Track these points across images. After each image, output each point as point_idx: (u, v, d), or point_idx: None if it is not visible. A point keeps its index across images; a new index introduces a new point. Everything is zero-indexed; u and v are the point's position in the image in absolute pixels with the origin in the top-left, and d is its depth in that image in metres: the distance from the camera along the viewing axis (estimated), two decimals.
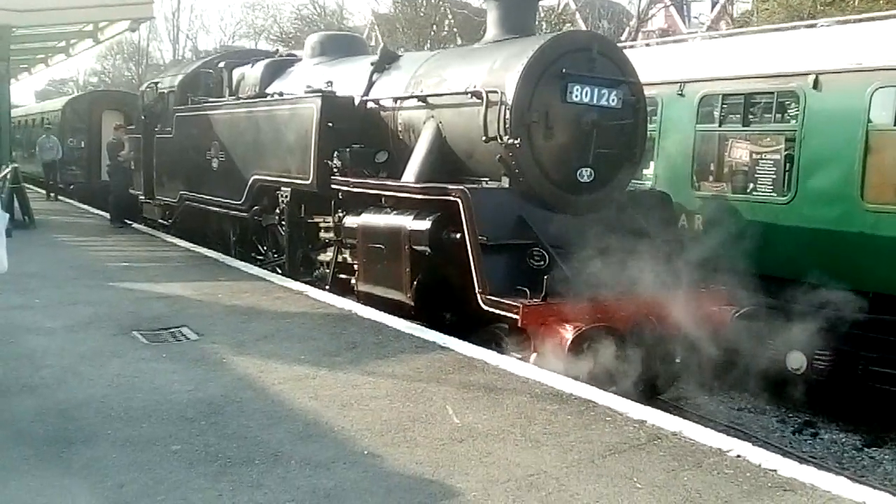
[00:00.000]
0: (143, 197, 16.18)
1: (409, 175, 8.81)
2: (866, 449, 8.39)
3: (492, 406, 5.51)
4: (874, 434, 8.54)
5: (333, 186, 9.52)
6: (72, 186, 23.93)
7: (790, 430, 8.82)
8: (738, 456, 4.67)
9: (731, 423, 8.62)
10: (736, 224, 9.18)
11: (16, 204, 15.13)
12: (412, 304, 8.06)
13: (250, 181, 11.45)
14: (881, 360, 8.22)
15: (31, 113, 32.23)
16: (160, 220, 15.72)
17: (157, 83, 15.95)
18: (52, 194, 22.82)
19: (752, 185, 9.33)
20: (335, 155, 9.58)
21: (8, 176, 14.83)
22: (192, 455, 4.59)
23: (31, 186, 20.58)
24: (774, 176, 9.07)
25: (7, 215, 6.36)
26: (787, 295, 8.67)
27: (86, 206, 21.09)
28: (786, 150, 8.96)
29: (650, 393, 7.66)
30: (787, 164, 8.92)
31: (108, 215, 17.54)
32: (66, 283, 9.94)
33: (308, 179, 9.97)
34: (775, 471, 4.46)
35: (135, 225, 16.62)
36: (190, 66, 15.33)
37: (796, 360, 8.85)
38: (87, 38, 19.80)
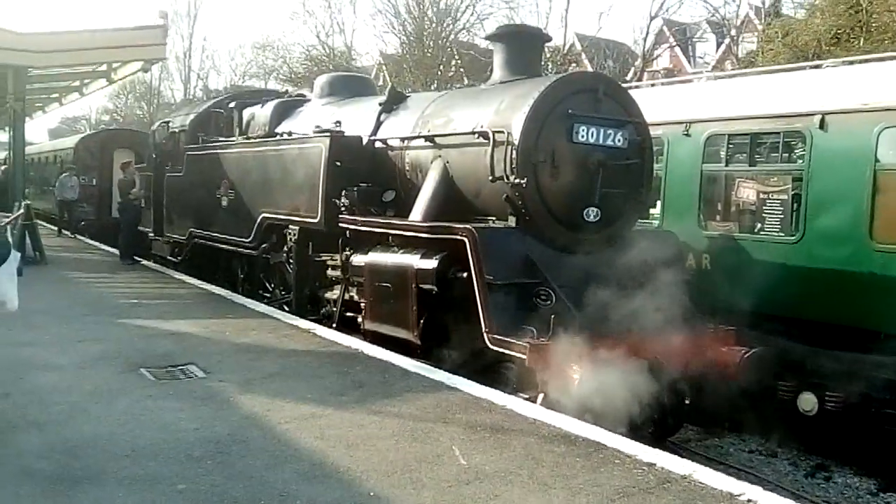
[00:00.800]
0: (152, 234, 16.28)
1: (417, 214, 8.85)
2: (882, 494, 8.26)
3: (499, 447, 5.48)
4: (889, 478, 8.41)
5: (341, 225, 9.57)
6: (82, 223, 24.07)
7: (802, 474, 8.71)
8: (750, 500, 4.63)
9: (741, 466, 8.54)
10: (743, 263, 9.19)
11: (27, 240, 15.22)
12: (419, 342, 8.05)
13: (259, 219, 11.52)
14: (893, 402, 8.14)
15: (44, 150, 32.53)
16: (169, 257, 15.79)
17: (168, 122, 16.12)
18: (64, 230, 22.96)
19: (759, 225, 9.33)
20: (343, 194, 9.64)
21: (21, 213, 14.94)
22: (197, 495, 4.58)
23: (42, 223, 20.70)
24: (782, 215, 9.07)
25: (19, 254, 6.42)
26: (796, 335, 8.65)
27: (96, 243, 21.19)
28: (793, 189, 8.97)
29: (659, 435, 7.61)
30: (795, 204, 8.93)
31: (117, 252, 17.62)
32: (76, 319, 9.97)
33: (316, 218, 10.02)
34: None
35: (144, 262, 16.69)
36: (201, 106, 15.50)
37: (808, 402, 8.78)
38: (101, 78, 20.08)
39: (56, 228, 23.12)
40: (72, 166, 23.86)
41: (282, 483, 4.77)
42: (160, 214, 15.71)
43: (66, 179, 22.68)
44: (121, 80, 21.92)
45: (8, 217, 6.20)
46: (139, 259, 16.77)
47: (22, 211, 14.61)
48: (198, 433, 5.66)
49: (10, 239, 6.11)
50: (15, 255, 6.13)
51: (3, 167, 22.10)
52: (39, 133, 54.11)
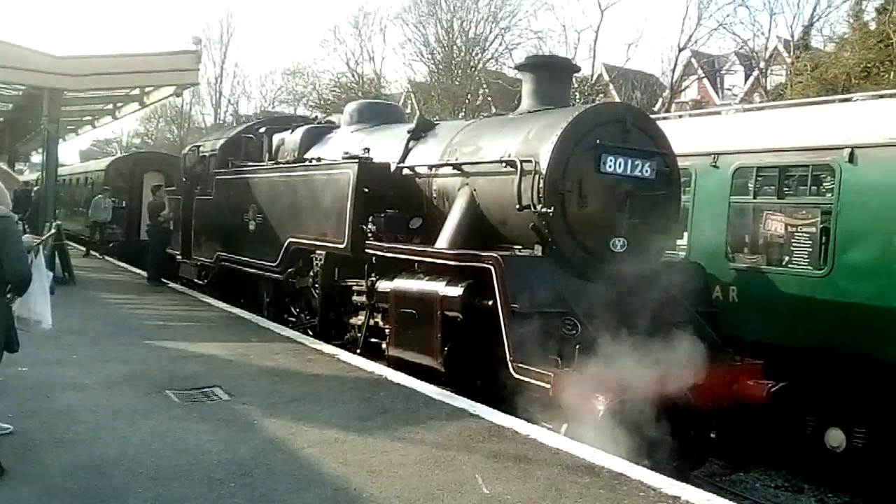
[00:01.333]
0: (180, 256, 16.43)
1: (443, 241, 8.88)
2: None
3: (522, 476, 5.45)
4: None
5: (368, 251, 9.61)
6: (111, 244, 24.33)
7: None
8: None
9: (767, 501, 8.43)
10: (771, 296, 9.12)
11: (57, 261, 15.41)
12: (443, 370, 8.04)
13: (286, 244, 11.60)
14: None
15: (76, 172, 32.98)
16: (196, 280, 15.92)
17: (199, 146, 16.33)
18: (92, 251, 23.24)
19: (787, 258, 9.26)
20: (370, 220, 9.69)
21: (52, 234, 15.13)
22: None
23: (71, 243, 20.94)
24: (810, 249, 8.99)
25: (51, 273, 6.50)
26: (824, 369, 8.55)
27: (124, 265, 21.40)
28: (822, 222, 8.90)
29: (684, 468, 7.53)
30: (823, 237, 8.86)
31: (145, 274, 17.79)
32: (103, 339, 10.06)
33: (343, 243, 10.08)
34: None
35: (171, 284, 16.83)
36: (231, 131, 15.68)
37: (835, 438, 8.67)
38: (134, 101, 20.37)
39: (84, 249, 23.37)
40: (105, 188, 24.18)
41: None
42: (188, 237, 15.87)
43: (100, 200, 22.99)
44: (153, 104, 22.22)
45: (39, 238, 6.26)
46: (167, 281, 16.92)
47: (53, 231, 14.81)
48: (221, 455, 5.68)
49: (42, 257, 6.15)
50: (48, 275, 6.21)
51: (35, 188, 22.41)
52: (71, 155, 54.87)
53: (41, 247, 6.14)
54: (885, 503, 8.56)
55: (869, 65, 25.88)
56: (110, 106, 21.89)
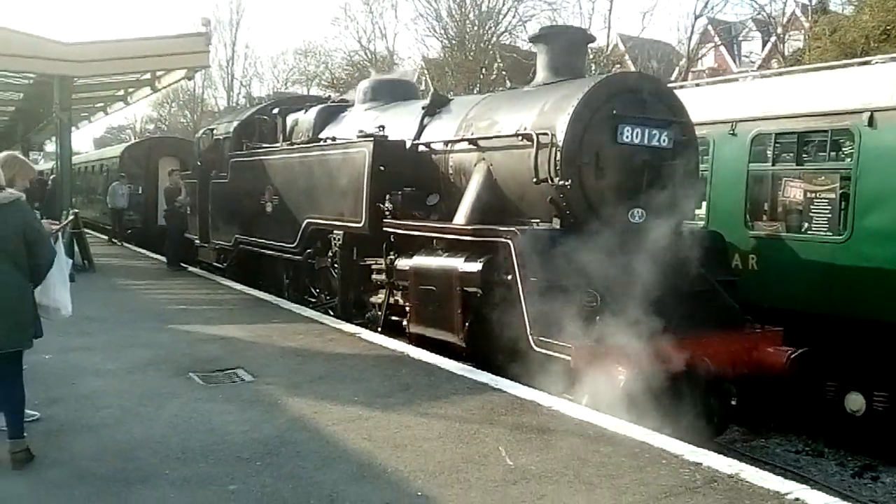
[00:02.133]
0: (198, 241, 16.50)
1: (461, 217, 8.87)
2: None
3: (545, 448, 5.48)
4: None
5: (385, 229, 9.62)
6: (129, 231, 24.51)
7: (850, 474, 8.58)
8: (797, 499, 4.58)
9: (788, 466, 8.43)
10: (790, 263, 9.08)
11: (76, 249, 15.53)
12: (464, 345, 8.07)
13: (303, 224, 11.63)
14: None
15: (91, 160, 33.15)
16: (215, 264, 16.01)
17: (212, 129, 16.34)
18: (113, 239, 23.43)
19: (806, 224, 9.20)
20: (387, 198, 9.69)
21: (70, 221, 15.24)
22: (248, 495, 4.64)
23: (90, 231, 21.08)
24: (830, 215, 8.94)
25: (70, 261, 6.54)
26: (844, 335, 8.53)
27: (143, 251, 21.54)
28: (841, 188, 8.84)
29: (705, 435, 7.54)
30: (843, 203, 8.79)
31: (164, 259, 17.89)
32: (125, 325, 10.15)
33: (360, 222, 10.09)
34: None
35: (190, 268, 16.93)
36: (244, 113, 15.68)
37: (855, 402, 8.68)
38: (145, 86, 20.38)
39: (106, 237, 23.56)
40: (122, 175, 24.32)
41: (331, 483, 4.82)
42: (206, 221, 15.93)
43: (117, 187, 23.14)
44: (165, 88, 22.20)
45: (57, 224, 6.29)
46: (186, 266, 17.02)
47: (71, 218, 14.91)
48: (246, 435, 5.73)
49: (61, 244, 6.19)
50: (67, 262, 6.25)
51: (51, 177, 22.57)
52: (85, 142, 55.14)
53: (59, 234, 6.17)
54: None
55: (889, 27, 25.49)
56: (122, 92, 21.93)
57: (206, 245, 16.21)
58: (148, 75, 18.83)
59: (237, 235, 14.32)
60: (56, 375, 7.36)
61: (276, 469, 5.06)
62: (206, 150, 16.06)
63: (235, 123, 15.03)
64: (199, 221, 16.19)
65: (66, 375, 7.41)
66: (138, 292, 13.82)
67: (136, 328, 9.96)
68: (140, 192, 24.96)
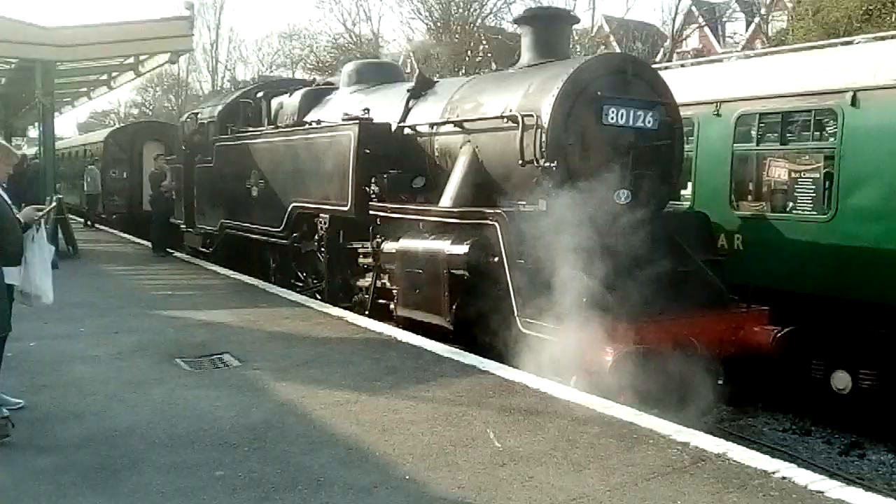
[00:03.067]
0: (184, 226, 16.43)
1: (447, 199, 8.86)
2: None
3: (533, 429, 5.49)
4: None
5: (371, 212, 9.60)
6: (114, 216, 24.36)
7: (836, 452, 8.65)
8: (784, 478, 4.61)
9: (775, 444, 8.50)
10: (775, 243, 9.11)
11: (60, 234, 15.43)
12: (451, 327, 8.08)
13: (289, 208, 11.59)
14: None
15: (75, 145, 32.88)
16: (201, 249, 15.93)
17: (197, 114, 16.24)
18: (90, 223, 23.63)
19: (791, 204, 9.24)
20: (373, 181, 9.67)
21: (53, 207, 15.11)
22: (235, 481, 4.63)
23: (74, 217, 20.97)
24: (814, 194, 8.98)
25: (53, 248, 6.49)
26: (829, 313, 8.58)
27: (128, 236, 21.43)
28: (825, 167, 8.88)
29: (692, 415, 7.57)
30: (827, 182, 8.84)
31: (150, 244, 17.81)
32: (110, 311, 10.10)
33: (346, 206, 10.06)
34: (822, 492, 4.40)
35: (176, 253, 16.85)
36: (229, 97, 15.58)
37: (841, 380, 8.74)
38: (129, 70, 20.23)
39: (83, 221, 23.67)
40: (95, 159, 24.32)
41: (318, 468, 4.81)
42: (191, 206, 15.85)
43: (92, 171, 23.28)
44: (148, 72, 22.07)
45: (40, 212, 6.25)
46: (171, 251, 16.94)
47: (54, 204, 14.80)
48: (234, 420, 5.72)
49: (44, 231, 6.14)
50: (50, 249, 6.20)
51: (34, 160, 22.41)
52: (68, 127, 54.68)
53: (42, 221, 6.12)
54: (890, 441, 8.65)
55: (871, 7, 25.57)
56: (105, 76, 21.73)
57: (191, 230, 16.14)
58: (131, 59, 18.70)
59: (223, 220, 14.26)
60: (41, 363, 7.31)
61: (264, 454, 5.05)
62: (191, 134, 15.97)
63: (220, 107, 14.95)
64: (185, 206, 16.11)
65: (51, 363, 7.36)
66: (123, 278, 13.75)
67: (121, 314, 9.90)
68: (125, 177, 24.80)
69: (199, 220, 15.59)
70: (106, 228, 23.19)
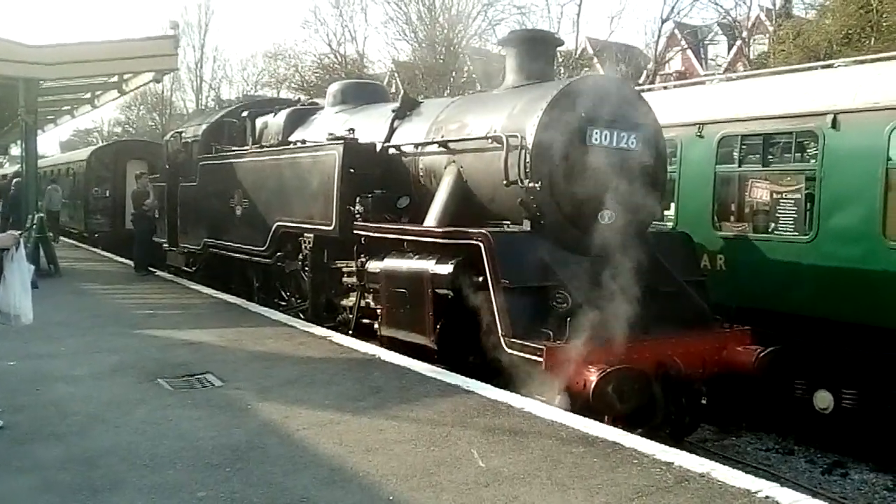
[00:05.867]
0: (166, 244, 16.35)
1: (431, 219, 8.87)
2: None
3: (517, 449, 5.48)
4: None
5: (356, 232, 9.59)
6: (96, 235, 24.23)
7: (819, 471, 8.69)
8: (768, 497, 4.62)
9: (759, 464, 8.51)
10: (758, 263, 9.17)
11: (41, 253, 15.33)
12: (435, 347, 8.06)
13: (273, 228, 11.56)
14: None
15: (58, 163, 32.70)
16: (184, 268, 15.86)
17: (181, 132, 16.21)
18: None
19: (773, 225, 9.31)
20: (357, 201, 9.67)
21: (34, 226, 15.06)
22: (217, 502, 4.60)
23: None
24: (795, 215, 9.06)
25: (33, 267, 6.44)
26: (811, 334, 8.63)
27: (110, 255, 21.30)
28: (806, 189, 8.97)
29: (676, 435, 7.59)
30: (808, 204, 8.92)
31: (132, 263, 17.70)
32: (92, 330, 10.02)
33: (331, 225, 10.05)
34: None
35: (159, 273, 16.75)
36: (213, 116, 15.57)
37: (823, 400, 8.78)
38: (112, 89, 20.18)
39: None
40: (53, 179, 24.43)
41: (301, 489, 4.78)
42: (174, 225, 15.79)
43: (52, 192, 23.40)
44: (132, 91, 22.04)
45: (17, 233, 6.19)
46: (154, 270, 16.84)
47: (36, 219, 14.74)
48: (216, 441, 5.68)
49: (23, 251, 6.10)
50: (29, 268, 6.16)
51: (16, 180, 22.29)
52: (51, 146, 54.43)
53: (21, 240, 6.08)
54: (872, 461, 8.69)
55: (850, 31, 25.92)
56: (89, 94, 21.69)
57: (174, 249, 16.06)
58: (115, 78, 18.65)
59: (206, 239, 14.21)
60: (21, 382, 7.24)
61: (246, 475, 5.01)
62: (175, 153, 15.93)
63: (204, 126, 14.92)
64: (168, 225, 16.04)
65: (31, 382, 7.28)
66: (105, 297, 13.65)
67: (103, 333, 9.83)
68: (107, 195, 24.71)
69: (182, 239, 15.52)
70: (86, 246, 23.04)
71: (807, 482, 8.14)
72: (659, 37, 34.69)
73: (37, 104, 16.99)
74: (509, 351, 7.13)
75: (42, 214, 16.49)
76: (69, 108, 24.53)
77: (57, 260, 16.39)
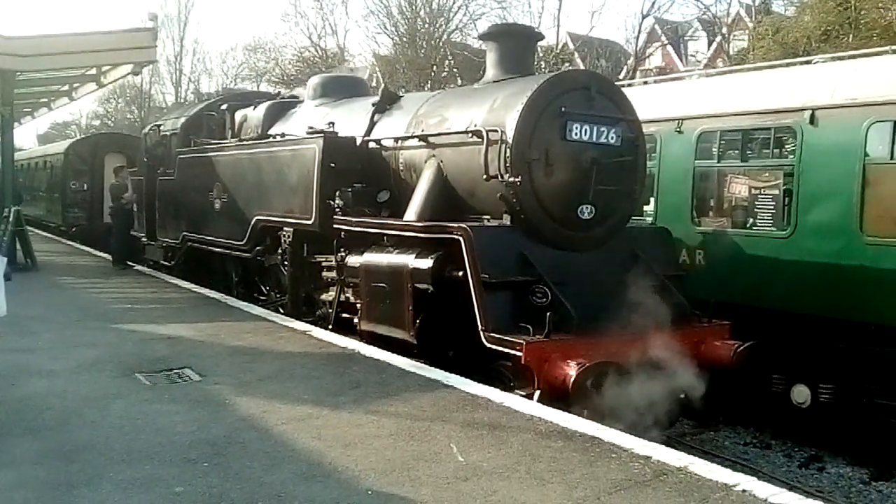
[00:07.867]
0: (145, 238, 16.23)
1: (411, 214, 8.85)
2: (873, 483, 8.32)
3: (496, 444, 5.49)
4: (881, 467, 8.47)
5: (336, 226, 9.55)
6: (74, 229, 24.04)
7: (796, 465, 8.77)
8: (744, 490, 4.64)
9: (736, 458, 8.58)
10: (736, 259, 9.22)
11: (17, 246, 15.20)
12: (415, 342, 8.05)
13: (253, 222, 11.50)
14: (884, 393, 8.20)
15: (35, 156, 32.41)
16: (162, 262, 15.74)
17: (159, 125, 16.10)
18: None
19: (751, 220, 9.36)
20: (337, 195, 9.63)
21: (10, 219, 14.91)
22: (195, 497, 4.57)
23: (32, 229, 20.66)
24: (774, 210, 9.11)
25: (4, 259, 6.38)
26: (789, 328, 8.69)
27: (88, 249, 21.14)
28: (784, 184, 9.02)
29: (654, 429, 7.62)
30: (786, 199, 8.97)
31: (110, 257, 17.57)
32: (69, 325, 9.94)
33: (310, 219, 10.01)
34: None
35: (137, 267, 16.63)
36: (192, 109, 15.46)
37: (800, 394, 8.85)
38: (91, 81, 20.02)
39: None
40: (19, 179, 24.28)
41: (279, 483, 4.77)
42: (153, 219, 15.67)
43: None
44: (111, 83, 21.86)
45: None
46: (132, 264, 16.71)
47: (13, 212, 14.60)
48: (194, 436, 5.65)
49: None
50: (2, 260, 6.10)
51: None
52: (29, 139, 53.95)
53: None
54: (849, 455, 8.77)
55: (829, 28, 26.11)
56: (66, 87, 21.50)
57: (153, 243, 15.94)
58: (93, 70, 18.51)
59: (185, 233, 14.12)
60: None
61: (224, 470, 4.99)
62: (153, 146, 15.82)
63: (183, 119, 14.82)
64: (146, 219, 15.92)
65: (6, 377, 7.22)
66: (83, 291, 13.54)
67: (80, 328, 9.76)
68: (85, 188, 24.49)
69: (160, 233, 15.41)
70: (60, 239, 22.83)
71: (784, 476, 8.20)
72: (639, 32, 34.83)
73: (13, 96, 16.84)
74: (489, 345, 7.14)
75: (18, 208, 16.33)
76: (46, 100, 24.32)
77: (34, 254, 16.25)
